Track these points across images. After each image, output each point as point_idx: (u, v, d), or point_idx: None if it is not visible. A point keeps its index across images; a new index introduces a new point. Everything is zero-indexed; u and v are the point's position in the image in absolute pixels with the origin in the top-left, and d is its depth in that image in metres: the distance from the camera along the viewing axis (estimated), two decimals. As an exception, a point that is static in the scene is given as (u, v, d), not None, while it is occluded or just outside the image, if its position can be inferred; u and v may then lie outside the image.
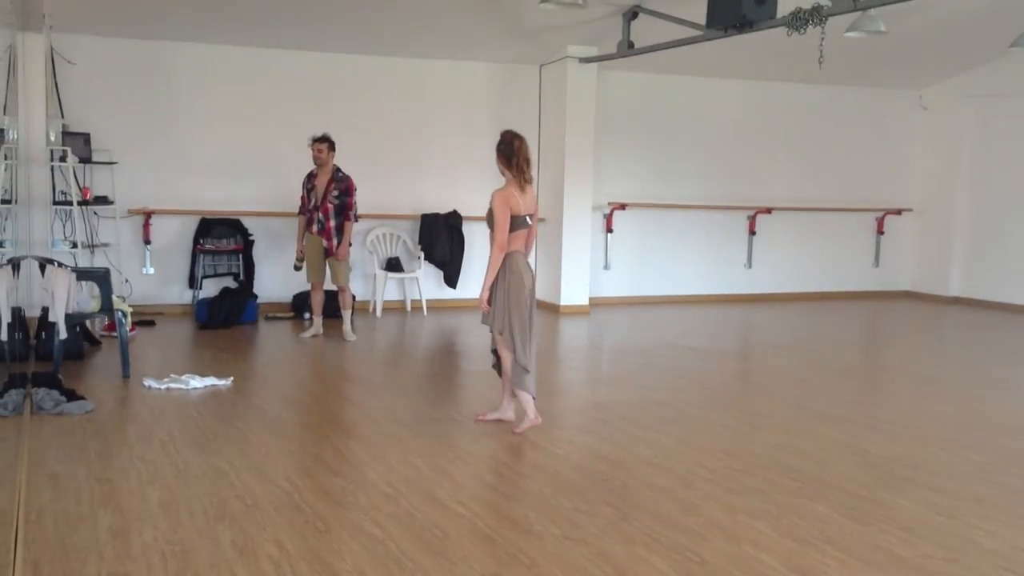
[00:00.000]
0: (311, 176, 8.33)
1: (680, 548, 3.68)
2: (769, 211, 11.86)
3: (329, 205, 8.18)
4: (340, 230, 8.23)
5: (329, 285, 8.55)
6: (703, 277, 11.83)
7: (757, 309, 11.33)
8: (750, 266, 12.05)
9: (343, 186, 8.20)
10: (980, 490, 4.52)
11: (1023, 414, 6.25)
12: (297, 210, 8.52)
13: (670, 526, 3.92)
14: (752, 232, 11.95)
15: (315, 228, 8.27)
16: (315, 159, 8.21)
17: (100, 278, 6.82)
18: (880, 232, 12.66)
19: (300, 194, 8.43)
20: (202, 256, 9.46)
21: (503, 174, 5.44)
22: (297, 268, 8.56)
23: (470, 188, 10.61)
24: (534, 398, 5.42)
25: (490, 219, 5.40)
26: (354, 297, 9.42)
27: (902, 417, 6.03)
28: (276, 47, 9.69)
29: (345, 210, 8.21)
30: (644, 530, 3.87)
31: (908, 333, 10.41)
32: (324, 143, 8.17)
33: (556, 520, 3.96)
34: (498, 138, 5.45)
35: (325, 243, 8.26)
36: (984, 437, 5.58)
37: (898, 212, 12.61)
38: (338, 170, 8.25)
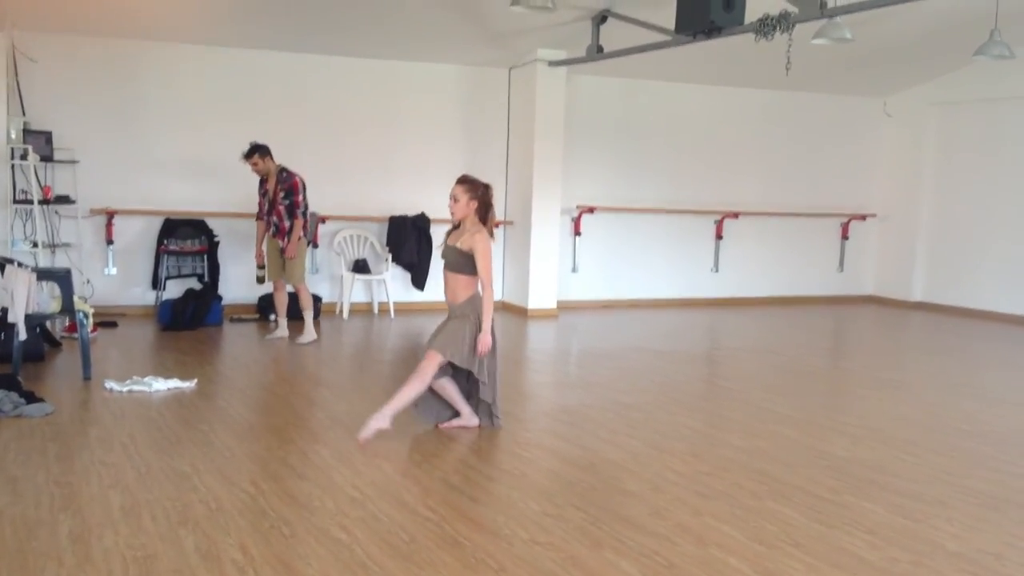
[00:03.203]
0: (263, 181, 8.28)
1: (648, 552, 3.68)
2: (736, 216, 11.94)
3: (280, 208, 8.15)
4: (292, 230, 8.17)
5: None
6: (670, 281, 11.88)
7: (723, 313, 11.39)
8: (717, 270, 12.12)
9: (286, 186, 8.14)
10: (944, 493, 4.57)
11: (985, 418, 6.32)
12: (255, 215, 8.45)
13: (638, 530, 3.92)
14: (719, 236, 12.02)
15: (271, 231, 8.25)
16: (255, 173, 8.18)
17: (61, 278, 6.71)
18: (845, 237, 12.79)
19: (258, 199, 8.37)
20: (166, 257, 9.35)
21: (463, 219, 5.26)
22: (260, 280, 8.48)
23: (438, 191, 10.52)
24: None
25: (460, 261, 5.25)
26: (319, 298, 9.36)
27: (866, 421, 6.08)
28: (242, 47, 9.60)
29: (294, 209, 8.15)
30: (612, 534, 3.86)
31: (872, 337, 10.52)
32: (253, 156, 8.09)
33: (524, 524, 3.95)
34: (467, 181, 5.27)
35: (281, 244, 8.22)
36: (947, 441, 5.64)
37: (862, 218, 12.75)
38: (282, 171, 8.19)
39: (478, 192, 5.28)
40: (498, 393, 5.49)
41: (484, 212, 5.29)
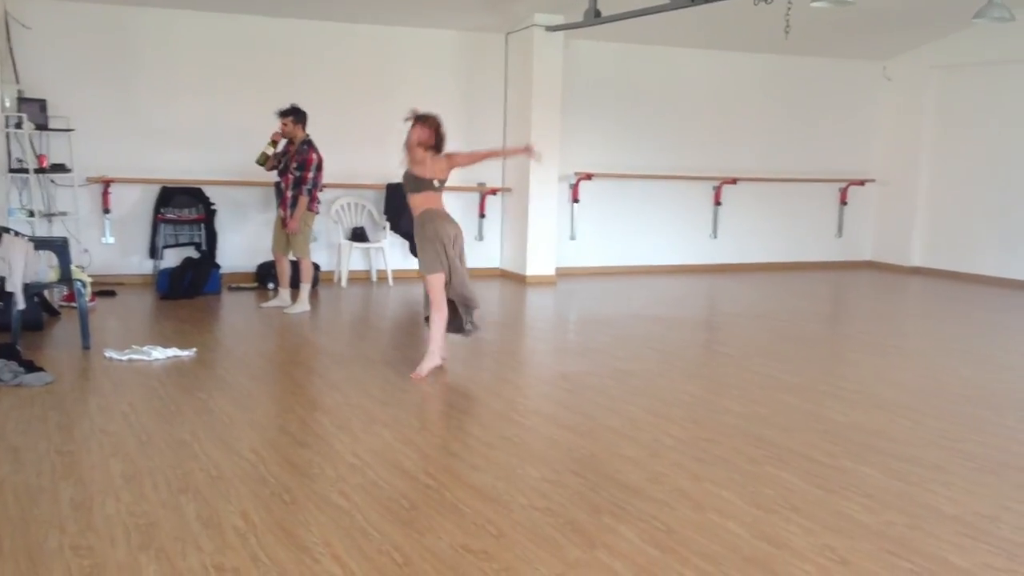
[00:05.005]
0: (290, 142, 8.24)
1: (647, 517, 3.70)
2: (734, 182, 11.90)
3: (290, 176, 8.11)
4: (296, 202, 8.13)
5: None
6: (669, 247, 11.87)
7: (722, 279, 11.39)
8: (715, 236, 12.10)
9: (300, 159, 8.08)
10: (941, 457, 4.59)
11: (983, 382, 6.34)
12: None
13: (637, 495, 3.94)
14: (717, 203, 11.99)
15: (279, 198, 8.24)
16: (283, 133, 8.14)
17: (58, 247, 6.69)
18: (843, 202, 12.76)
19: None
20: (163, 225, 9.32)
21: (416, 150, 5.97)
22: (259, 159, 8.32)
23: (436, 157, 10.52)
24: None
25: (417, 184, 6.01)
26: (317, 267, 9.34)
27: (865, 386, 6.10)
28: (238, 12, 9.51)
29: (300, 184, 8.10)
30: (611, 499, 3.88)
31: (870, 303, 10.53)
32: (288, 116, 8.08)
33: (523, 490, 3.97)
34: (420, 118, 5.98)
35: (282, 213, 8.19)
36: (945, 405, 5.66)
37: (861, 183, 12.71)
38: (303, 143, 8.14)
39: (439, 128, 6.03)
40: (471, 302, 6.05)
41: (437, 145, 6.02)
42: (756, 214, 12.24)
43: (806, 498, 3.96)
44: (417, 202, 6.02)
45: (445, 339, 6.05)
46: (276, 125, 8.15)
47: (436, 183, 6.00)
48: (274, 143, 8.24)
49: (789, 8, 7.31)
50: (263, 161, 8.30)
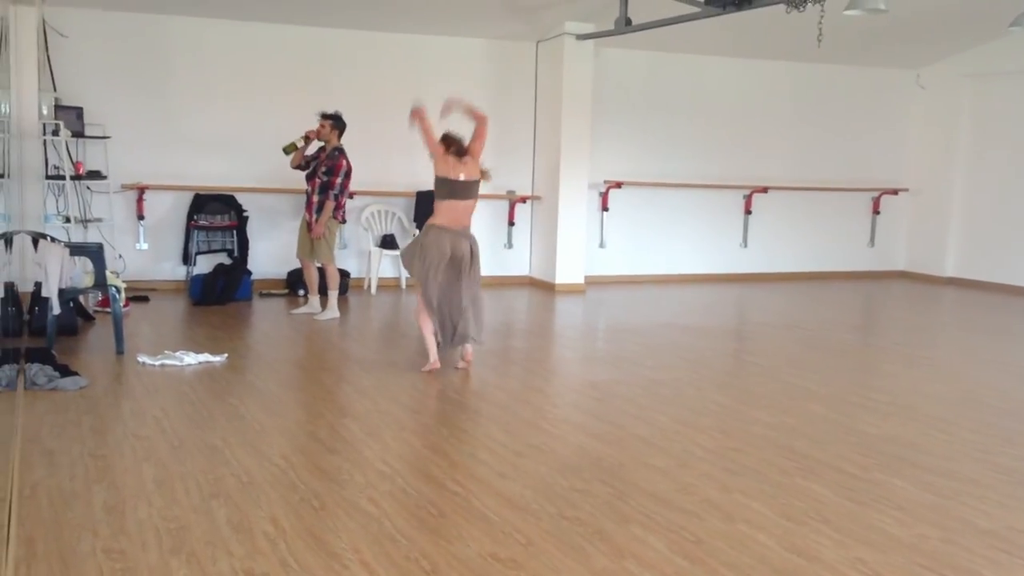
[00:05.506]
0: (322, 148, 8.30)
1: (676, 527, 3.68)
2: (765, 190, 11.83)
3: (317, 180, 8.15)
4: (322, 208, 8.18)
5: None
6: (699, 256, 11.82)
7: (752, 288, 11.32)
8: (746, 245, 12.03)
9: (330, 164, 8.13)
10: (975, 470, 4.53)
11: (1018, 394, 6.25)
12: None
13: (666, 505, 3.92)
14: (748, 211, 11.93)
15: (305, 201, 8.30)
16: (318, 134, 8.19)
17: (93, 253, 6.79)
18: (876, 212, 12.64)
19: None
20: (196, 232, 9.43)
21: (436, 149, 6.53)
22: (285, 149, 8.27)
23: (466, 165, 10.55)
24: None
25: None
26: (346, 274, 9.38)
27: (897, 397, 6.03)
28: (271, 21, 9.60)
29: (327, 189, 8.15)
30: (640, 509, 3.87)
31: (903, 313, 10.42)
32: (327, 120, 8.14)
33: (552, 499, 3.96)
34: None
35: (307, 217, 8.24)
36: (979, 417, 5.58)
37: (894, 192, 12.59)
38: (336, 149, 8.19)
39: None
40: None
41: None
42: (787, 223, 12.16)
43: (837, 510, 3.92)
44: (441, 209, 6.33)
45: (440, 343, 6.30)
46: (313, 124, 8.19)
47: (463, 182, 6.33)
48: (307, 139, 8.25)
49: (822, 16, 7.26)
50: (290, 151, 8.26)
